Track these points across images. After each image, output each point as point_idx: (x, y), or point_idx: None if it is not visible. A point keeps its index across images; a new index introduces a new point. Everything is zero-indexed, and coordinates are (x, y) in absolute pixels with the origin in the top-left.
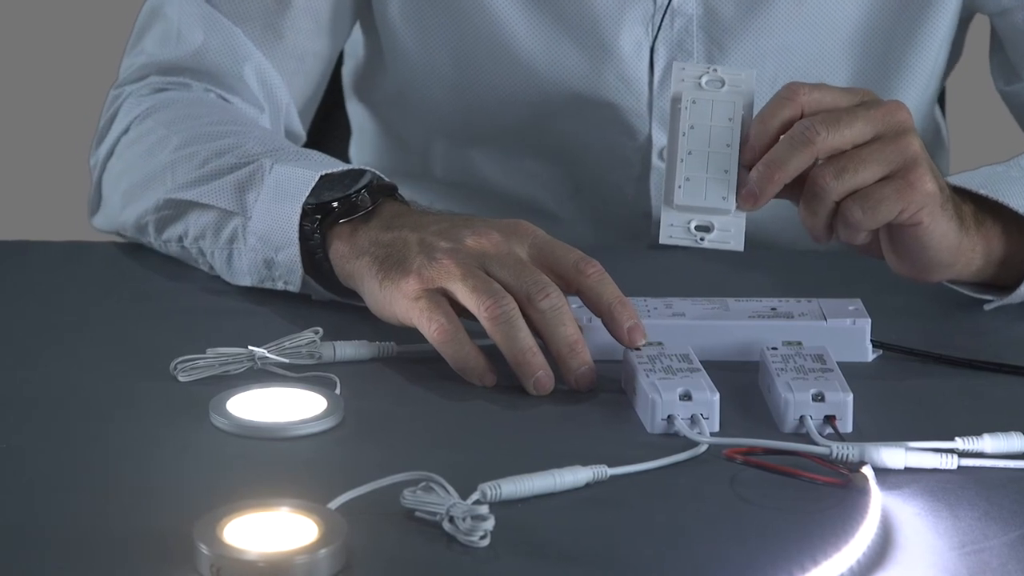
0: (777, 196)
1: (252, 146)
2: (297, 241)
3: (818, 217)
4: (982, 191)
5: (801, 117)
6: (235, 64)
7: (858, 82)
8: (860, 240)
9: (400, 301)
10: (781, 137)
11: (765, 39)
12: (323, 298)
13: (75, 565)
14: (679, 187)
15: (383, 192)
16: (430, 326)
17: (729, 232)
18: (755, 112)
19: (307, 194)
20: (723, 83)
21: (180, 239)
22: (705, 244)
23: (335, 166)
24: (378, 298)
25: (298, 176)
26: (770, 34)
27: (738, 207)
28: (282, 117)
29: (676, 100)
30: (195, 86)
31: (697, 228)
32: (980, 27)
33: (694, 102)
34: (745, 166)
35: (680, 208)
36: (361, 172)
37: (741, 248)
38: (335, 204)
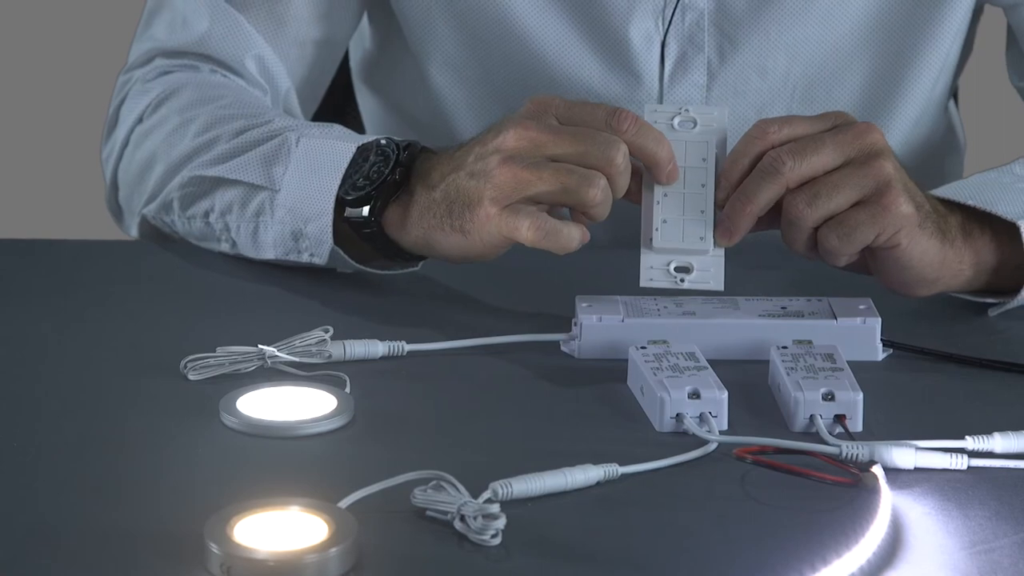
0: (760, 228)
1: (275, 123)
2: (331, 211)
3: (798, 243)
4: (970, 202)
5: None
6: (238, 51)
7: (871, 75)
8: (841, 263)
9: (485, 229)
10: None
11: (776, 33)
12: (348, 269)
13: (85, 564)
14: (656, 230)
15: (410, 158)
16: (518, 230)
17: (709, 272)
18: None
19: (346, 166)
20: (695, 123)
21: (206, 214)
22: (685, 285)
23: (358, 138)
24: (464, 244)
25: (331, 148)
26: (782, 27)
27: (716, 243)
28: (281, 102)
29: None
30: (203, 67)
31: (676, 269)
32: (996, 23)
33: None
34: (719, 205)
35: (659, 251)
36: (371, 147)
37: (721, 288)
38: (373, 192)
